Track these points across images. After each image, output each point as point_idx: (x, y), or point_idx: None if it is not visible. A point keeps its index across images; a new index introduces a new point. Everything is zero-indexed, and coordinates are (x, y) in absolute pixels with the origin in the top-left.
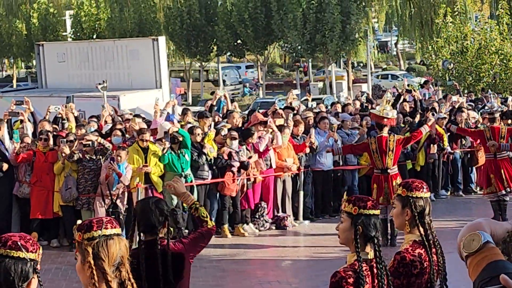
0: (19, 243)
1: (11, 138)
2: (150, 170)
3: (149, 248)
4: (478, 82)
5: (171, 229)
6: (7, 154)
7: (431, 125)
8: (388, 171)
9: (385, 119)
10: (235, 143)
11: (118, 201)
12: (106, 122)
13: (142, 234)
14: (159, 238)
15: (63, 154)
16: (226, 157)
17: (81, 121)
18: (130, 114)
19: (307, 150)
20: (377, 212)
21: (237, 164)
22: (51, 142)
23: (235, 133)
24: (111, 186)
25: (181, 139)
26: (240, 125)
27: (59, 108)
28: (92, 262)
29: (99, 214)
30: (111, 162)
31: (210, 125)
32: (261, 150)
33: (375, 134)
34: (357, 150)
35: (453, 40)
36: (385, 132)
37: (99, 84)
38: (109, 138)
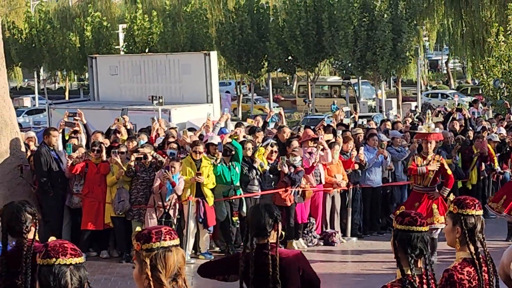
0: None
1: (64, 148)
2: (203, 180)
3: (260, 252)
4: None
5: (282, 233)
6: (62, 166)
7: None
8: (428, 188)
9: (429, 135)
10: (297, 159)
11: (171, 211)
12: (158, 135)
13: (254, 239)
14: (270, 242)
15: (120, 170)
16: (285, 171)
17: (133, 133)
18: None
19: (356, 166)
20: (426, 228)
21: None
22: (103, 153)
23: (299, 149)
24: (164, 196)
25: (233, 152)
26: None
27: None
28: (149, 273)
29: (150, 225)
30: (166, 171)
31: (262, 141)
32: (309, 165)
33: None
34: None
35: (505, 59)
36: (430, 150)
37: (155, 99)
38: (160, 151)
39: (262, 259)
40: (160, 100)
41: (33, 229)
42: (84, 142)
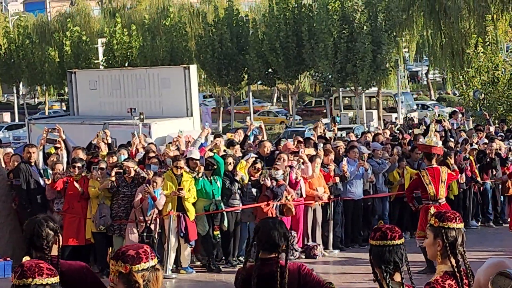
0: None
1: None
2: (184, 195)
3: (264, 265)
4: (509, 112)
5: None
6: (41, 181)
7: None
8: (440, 201)
9: (432, 148)
10: (279, 172)
11: (152, 226)
12: (137, 150)
13: (260, 251)
14: (277, 257)
15: (104, 183)
16: (268, 184)
17: (113, 148)
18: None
19: (337, 179)
20: (400, 241)
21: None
22: (83, 170)
23: (279, 163)
24: (145, 211)
25: (215, 166)
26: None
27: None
28: None
29: (130, 240)
30: (147, 185)
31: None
32: (293, 178)
33: (424, 166)
34: (413, 190)
35: (484, 70)
36: (434, 163)
37: (134, 112)
38: (141, 166)
39: (266, 271)
40: (141, 116)
41: (55, 246)
42: (65, 159)
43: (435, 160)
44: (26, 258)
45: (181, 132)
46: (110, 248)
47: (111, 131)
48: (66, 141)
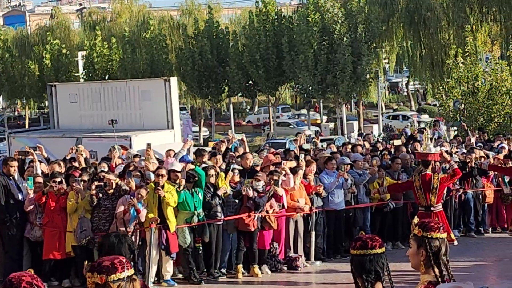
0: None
1: (21, 175)
2: (163, 194)
3: None
4: (489, 122)
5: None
6: (20, 196)
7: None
8: (432, 208)
9: (429, 155)
10: (261, 184)
11: (133, 237)
12: (116, 164)
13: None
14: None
15: (79, 194)
16: (250, 195)
17: (90, 163)
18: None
19: (321, 189)
20: (380, 250)
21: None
22: (64, 183)
23: (261, 175)
24: (127, 223)
25: (196, 178)
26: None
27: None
28: None
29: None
30: (132, 198)
31: (222, 165)
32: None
33: (420, 171)
34: (402, 189)
35: (464, 81)
36: (429, 169)
37: (115, 123)
38: (122, 178)
39: None
40: (114, 124)
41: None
42: (39, 171)
43: (432, 167)
44: (87, 262)
45: (149, 145)
46: (86, 261)
47: (91, 144)
48: (48, 159)
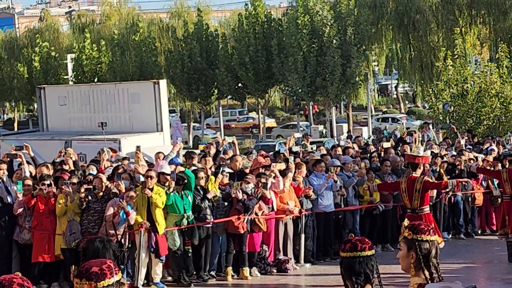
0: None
1: (10, 177)
2: (150, 194)
3: None
4: (478, 125)
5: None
6: (9, 199)
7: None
8: (417, 211)
9: (418, 158)
10: (250, 186)
11: (122, 240)
12: (105, 167)
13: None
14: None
15: (69, 196)
16: (239, 197)
17: (79, 166)
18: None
19: (311, 191)
20: (370, 252)
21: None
22: (53, 186)
23: (250, 177)
24: (116, 225)
25: (186, 181)
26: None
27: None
28: None
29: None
30: (121, 200)
31: (212, 168)
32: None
33: (408, 174)
34: (390, 189)
35: (453, 83)
36: (418, 172)
37: (104, 126)
38: (111, 181)
39: None
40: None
41: (122, 267)
42: (28, 174)
43: (421, 170)
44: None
45: (138, 147)
46: (73, 266)
47: (80, 147)
48: (34, 158)
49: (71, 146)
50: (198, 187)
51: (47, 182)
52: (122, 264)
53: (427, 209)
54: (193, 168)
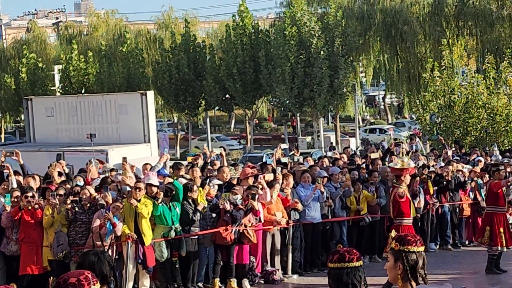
0: None
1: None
2: (135, 204)
3: None
4: (465, 135)
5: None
6: None
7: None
8: (393, 221)
9: (404, 171)
10: (238, 197)
11: (109, 251)
12: (91, 178)
13: None
14: None
15: (56, 208)
16: (227, 208)
17: (72, 177)
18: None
19: (299, 205)
20: (358, 263)
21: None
22: (36, 197)
23: (238, 188)
24: (103, 237)
25: (174, 192)
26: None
27: None
28: None
29: None
30: (107, 212)
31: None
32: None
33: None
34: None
35: (440, 94)
36: (403, 184)
37: (93, 137)
38: (98, 192)
39: None
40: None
41: (112, 279)
42: (15, 185)
43: (409, 181)
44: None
45: (125, 158)
46: (52, 278)
47: (67, 158)
48: (23, 167)
49: (63, 158)
50: (190, 200)
51: (30, 194)
52: (114, 277)
53: (408, 220)
54: (182, 179)
